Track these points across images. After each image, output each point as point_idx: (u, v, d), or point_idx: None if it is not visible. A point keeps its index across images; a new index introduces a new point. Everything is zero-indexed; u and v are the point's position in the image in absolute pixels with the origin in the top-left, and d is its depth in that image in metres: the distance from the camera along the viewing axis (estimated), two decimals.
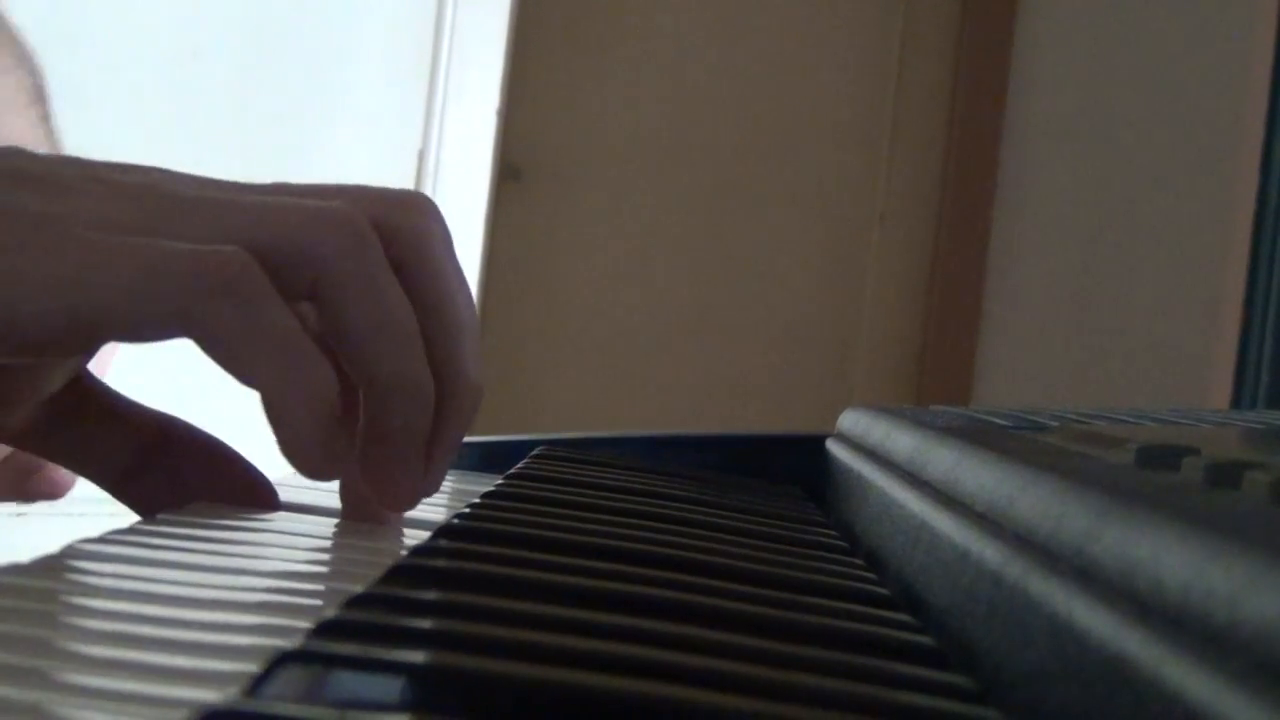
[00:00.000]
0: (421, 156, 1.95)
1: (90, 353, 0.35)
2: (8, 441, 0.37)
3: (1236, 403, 2.80)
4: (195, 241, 0.32)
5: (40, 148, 0.55)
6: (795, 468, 0.57)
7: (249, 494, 0.38)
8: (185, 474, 0.38)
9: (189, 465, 0.38)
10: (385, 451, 0.35)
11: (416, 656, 0.23)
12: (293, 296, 0.34)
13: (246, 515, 0.36)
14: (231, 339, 0.32)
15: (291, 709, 0.20)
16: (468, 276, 0.38)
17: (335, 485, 0.38)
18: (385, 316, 0.34)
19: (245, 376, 0.32)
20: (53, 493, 0.45)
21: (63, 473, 0.44)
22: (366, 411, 0.35)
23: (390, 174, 1.93)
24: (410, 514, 0.38)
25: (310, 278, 0.33)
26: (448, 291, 0.36)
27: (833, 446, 0.53)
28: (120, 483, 0.38)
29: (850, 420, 0.52)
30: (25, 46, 0.52)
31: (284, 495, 0.39)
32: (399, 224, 0.35)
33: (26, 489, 0.45)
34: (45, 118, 0.56)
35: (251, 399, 0.34)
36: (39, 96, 0.51)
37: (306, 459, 0.33)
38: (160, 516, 0.34)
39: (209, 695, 0.19)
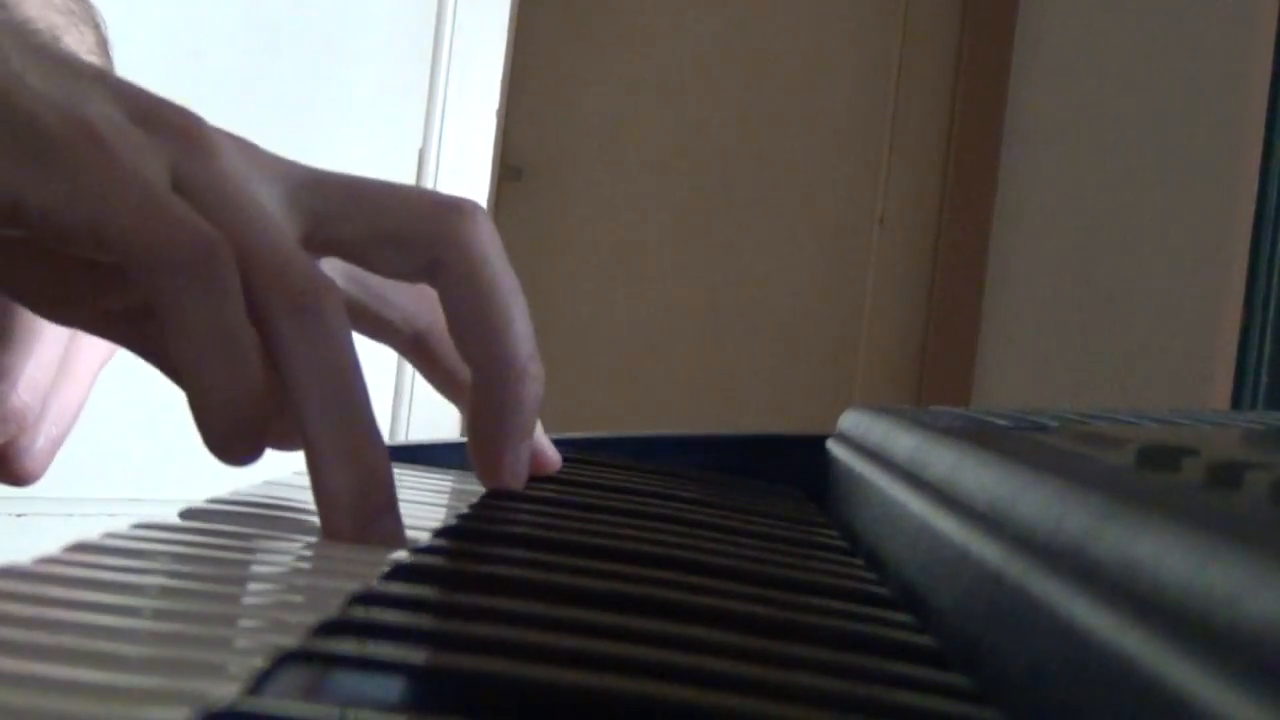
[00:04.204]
0: (421, 156, 1.95)
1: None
2: None
3: (1236, 403, 2.80)
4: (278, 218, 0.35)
5: None
6: (795, 468, 0.57)
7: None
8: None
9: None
10: (497, 430, 0.39)
11: (416, 656, 0.23)
12: (405, 277, 0.39)
13: (246, 515, 0.36)
14: (173, 318, 0.32)
15: (293, 708, 0.20)
16: None
17: None
18: (503, 301, 0.38)
19: (176, 357, 0.33)
20: (17, 480, 0.44)
21: (30, 463, 0.44)
22: (475, 393, 0.39)
23: (390, 174, 1.93)
24: (410, 514, 0.38)
25: (427, 259, 0.38)
26: (494, 286, 0.39)
27: (833, 446, 0.53)
28: None
29: (850, 420, 0.52)
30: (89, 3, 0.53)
31: (284, 494, 0.39)
32: (446, 228, 0.38)
33: None
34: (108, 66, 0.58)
35: None
36: (104, 50, 0.53)
37: (221, 450, 0.34)
38: (161, 516, 0.34)
39: (211, 694, 0.20)
